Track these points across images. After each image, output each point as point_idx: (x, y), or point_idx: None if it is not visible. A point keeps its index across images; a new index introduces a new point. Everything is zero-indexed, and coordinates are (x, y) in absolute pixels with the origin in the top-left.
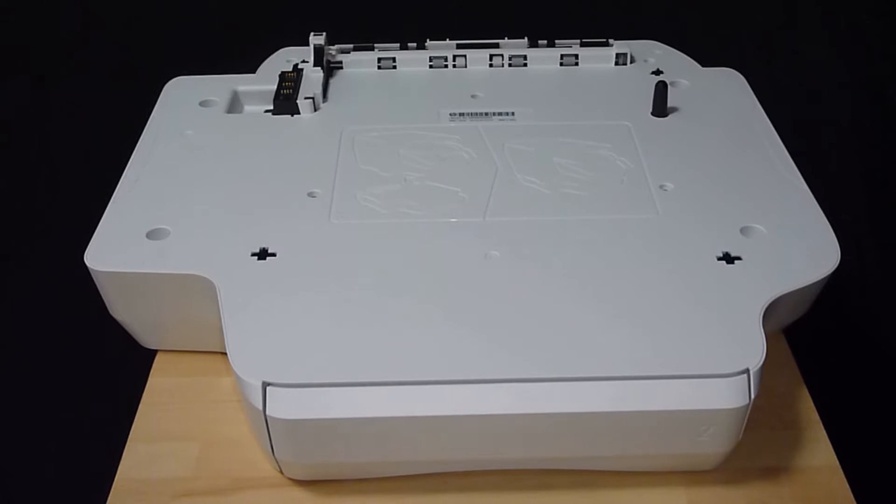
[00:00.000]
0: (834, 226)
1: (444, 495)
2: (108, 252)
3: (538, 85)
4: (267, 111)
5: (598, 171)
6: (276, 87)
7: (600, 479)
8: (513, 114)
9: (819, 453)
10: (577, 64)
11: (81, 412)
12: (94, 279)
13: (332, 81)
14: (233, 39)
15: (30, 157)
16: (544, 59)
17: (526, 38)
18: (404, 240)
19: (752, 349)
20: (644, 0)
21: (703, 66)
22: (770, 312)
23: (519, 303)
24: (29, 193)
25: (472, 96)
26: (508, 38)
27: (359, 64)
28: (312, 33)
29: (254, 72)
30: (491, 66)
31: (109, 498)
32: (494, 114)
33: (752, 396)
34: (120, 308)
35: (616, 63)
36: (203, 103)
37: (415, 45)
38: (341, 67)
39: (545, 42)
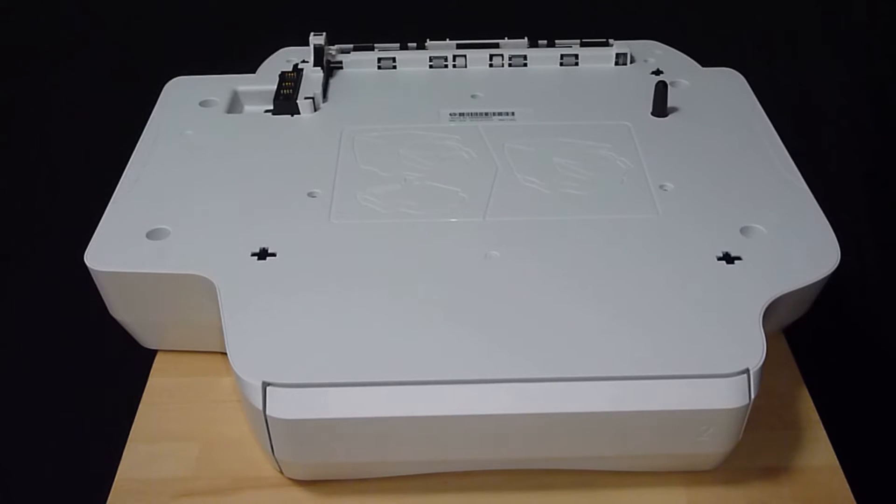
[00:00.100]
0: (834, 226)
1: (444, 495)
2: (108, 252)
3: (538, 85)
4: (267, 111)
5: (598, 171)
6: (276, 87)
7: (600, 479)
8: (513, 114)
9: (819, 453)
10: (577, 64)
11: (81, 412)
12: (94, 279)
13: (332, 81)
14: (233, 39)
15: (30, 157)
16: (544, 59)
17: (526, 38)
18: (404, 240)
19: (752, 349)
20: (644, 0)
21: (703, 66)
22: (770, 312)
23: (519, 303)
24: (29, 193)
25: (472, 96)
26: (508, 38)
27: (359, 64)
28: (312, 33)
29: (254, 72)
30: (491, 66)
31: (109, 498)
32: (494, 114)
33: (752, 396)
34: (120, 308)
35: (616, 63)
36: (203, 103)
37: (415, 45)
38: (341, 67)
39: (545, 42)
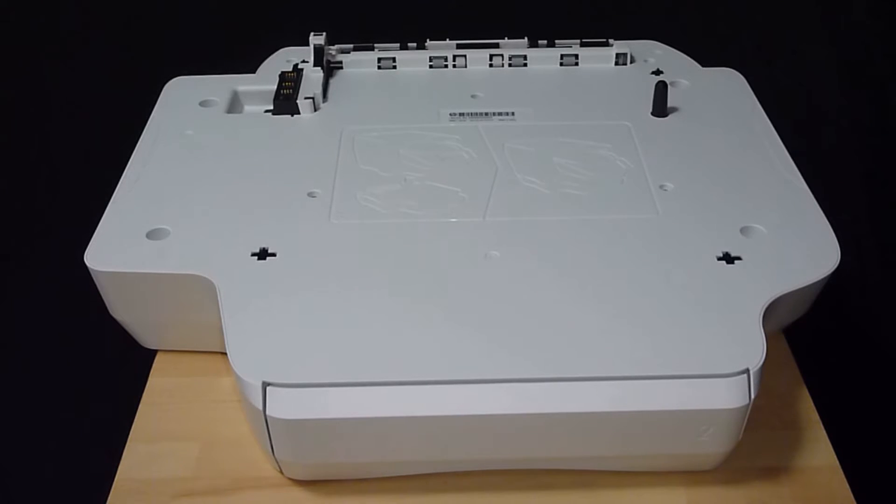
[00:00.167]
0: (834, 226)
1: (444, 495)
2: (108, 252)
3: (538, 85)
4: (267, 111)
5: (598, 171)
6: (276, 87)
7: (600, 479)
8: (513, 114)
9: (819, 453)
10: (577, 64)
11: (81, 412)
12: (94, 279)
13: (332, 81)
14: (233, 39)
15: (30, 157)
16: (544, 59)
17: (526, 38)
18: (404, 240)
19: (752, 349)
20: (644, 0)
21: (703, 66)
22: (770, 312)
23: (519, 303)
24: (29, 193)
25: (472, 96)
26: (508, 38)
27: (359, 64)
28: (312, 33)
29: (254, 72)
30: (491, 66)
31: (109, 498)
32: (494, 114)
33: (752, 396)
34: (120, 308)
35: (616, 63)
36: (203, 103)
37: (415, 45)
38: (341, 67)
39: (545, 42)
